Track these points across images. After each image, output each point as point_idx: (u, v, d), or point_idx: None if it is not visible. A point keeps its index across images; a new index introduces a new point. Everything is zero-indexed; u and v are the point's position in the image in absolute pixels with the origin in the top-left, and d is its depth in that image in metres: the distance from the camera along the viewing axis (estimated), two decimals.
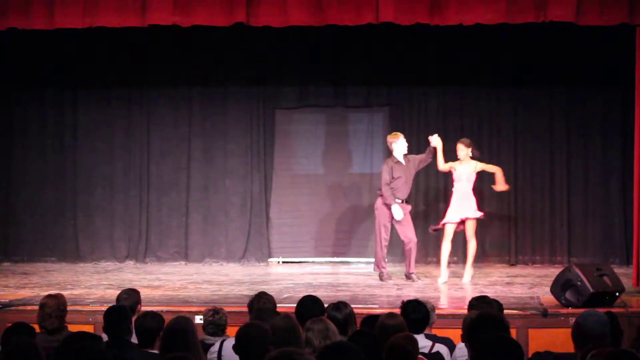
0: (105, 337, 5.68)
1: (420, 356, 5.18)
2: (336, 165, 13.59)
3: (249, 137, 13.46)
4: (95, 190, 13.58)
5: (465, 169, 10.80)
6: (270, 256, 13.44)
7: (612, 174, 12.99)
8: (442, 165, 10.93)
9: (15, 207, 13.60)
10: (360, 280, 11.29)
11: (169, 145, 13.58)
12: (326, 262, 13.28)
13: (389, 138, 11.17)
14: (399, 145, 11.01)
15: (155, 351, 5.54)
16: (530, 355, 5.42)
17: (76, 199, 13.56)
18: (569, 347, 5.21)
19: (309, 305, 6.11)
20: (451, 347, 6.02)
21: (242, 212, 13.48)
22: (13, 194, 13.62)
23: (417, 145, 13.09)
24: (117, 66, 13.40)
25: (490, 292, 9.26)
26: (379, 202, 11.06)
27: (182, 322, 5.37)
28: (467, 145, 10.85)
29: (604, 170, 13.04)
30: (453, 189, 10.92)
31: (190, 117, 13.54)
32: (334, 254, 13.42)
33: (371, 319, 5.93)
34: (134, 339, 5.75)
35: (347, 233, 13.44)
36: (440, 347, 5.97)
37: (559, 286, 8.61)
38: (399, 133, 11.27)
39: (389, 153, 13.21)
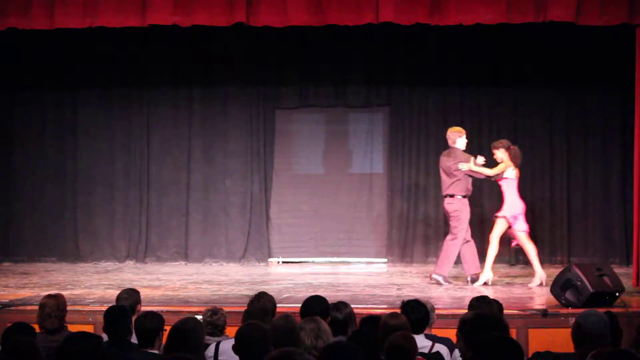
0: (105, 337, 5.68)
1: (419, 357, 5.17)
2: (336, 165, 13.59)
3: (249, 137, 13.46)
4: (95, 190, 13.58)
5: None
6: (270, 256, 13.44)
7: (612, 174, 12.99)
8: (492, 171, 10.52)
9: (15, 207, 13.60)
10: (360, 280, 11.28)
11: (169, 145, 13.58)
12: (326, 262, 13.28)
13: (455, 133, 10.71)
14: (463, 141, 10.75)
15: (155, 351, 5.54)
16: (530, 355, 5.42)
17: (76, 199, 13.55)
18: (569, 347, 5.21)
19: (313, 305, 6.10)
20: (451, 347, 6.02)
21: (242, 212, 13.47)
22: (13, 194, 13.62)
23: (417, 145, 13.14)
24: (117, 66, 13.40)
25: (490, 292, 9.27)
26: (458, 202, 10.59)
27: (191, 323, 5.36)
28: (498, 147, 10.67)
29: (604, 170, 13.04)
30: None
31: (190, 117, 13.54)
32: (334, 254, 13.42)
33: (371, 319, 5.93)
34: (134, 339, 5.74)
35: (347, 233, 13.44)
36: (440, 347, 5.97)
37: (559, 286, 8.61)
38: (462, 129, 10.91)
39: (390, 153, 13.27)
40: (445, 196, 10.62)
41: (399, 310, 6.14)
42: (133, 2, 10.13)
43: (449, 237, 10.65)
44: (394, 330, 5.27)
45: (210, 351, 5.89)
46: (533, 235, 13.06)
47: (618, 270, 9.85)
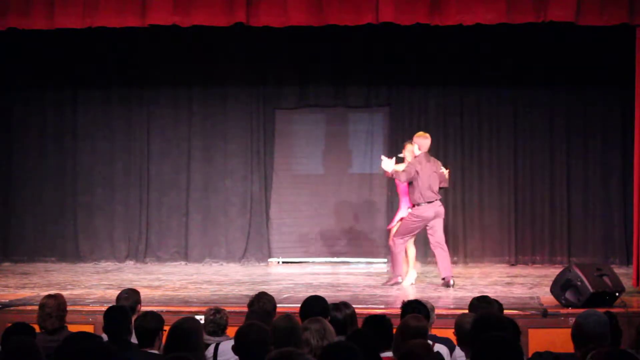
0: (105, 337, 5.69)
1: None
2: (336, 165, 13.59)
3: (249, 137, 13.46)
4: (95, 190, 13.58)
5: None
6: (270, 256, 13.44)
7: (612, 174, 12.99)
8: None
9: (15, 207, 13.60)
10: (360, 280, 11.28)
11: (169, 145, 13.58)
12: (326, 262, 13.28)
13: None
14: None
15: (155, 351, 5.54)
16: (530, 355, 5.42)
17: (76, 199, 13.55)
18: (569, 347, 5.20)
19: (313, 305, 6.10)
20: (451, 347, 6.01)
21: (242, 212, 13.47)
22: (13, 194, 13.62)
23: None
24: (117, 66, 13.41)
25: (490, 292, 9.26)
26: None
27: (191, 323, 5.36)
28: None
29: (604, 170, 13.04)
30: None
31: (190, 117, 13.54)
32: (334, 254, 13.42)
33: (373, 319, 5.91)
34: (134, 339, 5.74)
35: (347, 233, 13.44)
36: (440, 347, 5.96)
37: (559, 286, 8.61)
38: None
39: (389, 153, 13.22)
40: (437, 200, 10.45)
41: (399, 311, 6.13)
42: (133, 2, 10.13)
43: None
44: (414, 332, 5.25)
45: (209, 352, 5.88)
46: (533, 235, 13.14)
47: (618, 270, 9.85)
